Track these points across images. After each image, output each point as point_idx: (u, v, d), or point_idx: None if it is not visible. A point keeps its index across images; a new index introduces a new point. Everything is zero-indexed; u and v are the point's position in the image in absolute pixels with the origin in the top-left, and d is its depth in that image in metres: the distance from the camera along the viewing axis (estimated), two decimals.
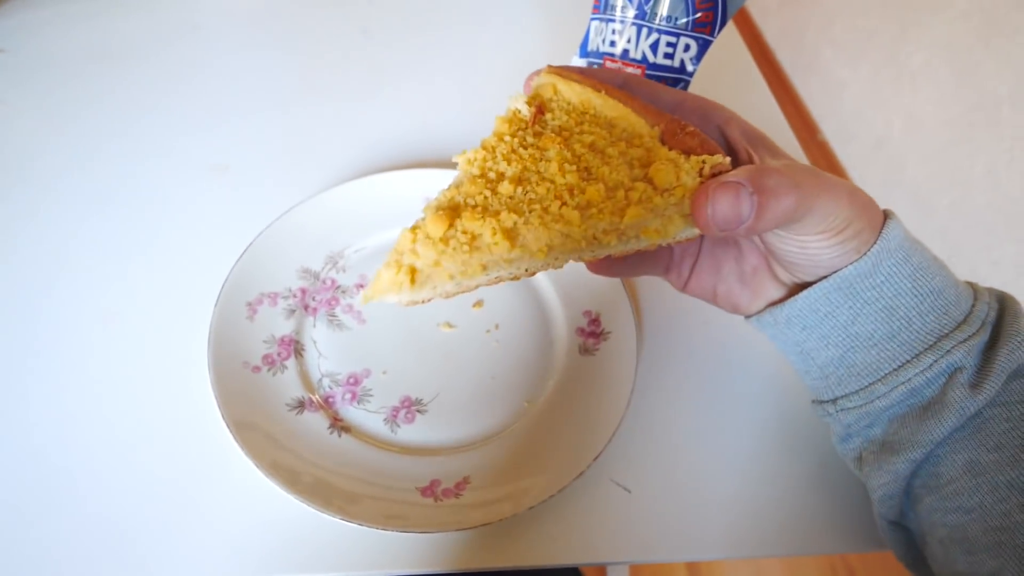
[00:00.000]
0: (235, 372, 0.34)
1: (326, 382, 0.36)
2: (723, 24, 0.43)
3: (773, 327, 0.30)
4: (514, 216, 0.23)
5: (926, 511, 0.27)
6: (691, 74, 0.45)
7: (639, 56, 0.44)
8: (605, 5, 0.45)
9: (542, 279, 0.42)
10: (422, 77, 0.57)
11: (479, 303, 0.41)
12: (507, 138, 0.26)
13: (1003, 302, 0.29)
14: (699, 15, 0.42)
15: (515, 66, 0.56)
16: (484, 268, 0.23)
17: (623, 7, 0.44)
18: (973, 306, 0.28)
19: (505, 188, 0.24)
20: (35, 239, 0.42)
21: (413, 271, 0.22)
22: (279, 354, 0.36)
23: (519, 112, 0.27)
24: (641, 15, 0.43)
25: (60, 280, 0.40)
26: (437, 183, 0.44)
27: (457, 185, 0.25)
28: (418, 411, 0.35)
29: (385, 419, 0.35)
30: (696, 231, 0.24)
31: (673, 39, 0.43)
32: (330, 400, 0.35)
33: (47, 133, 0.49)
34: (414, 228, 0.23)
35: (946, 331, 0.27)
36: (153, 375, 0.36)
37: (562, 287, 0.41)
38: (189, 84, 0.53)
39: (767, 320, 0.30)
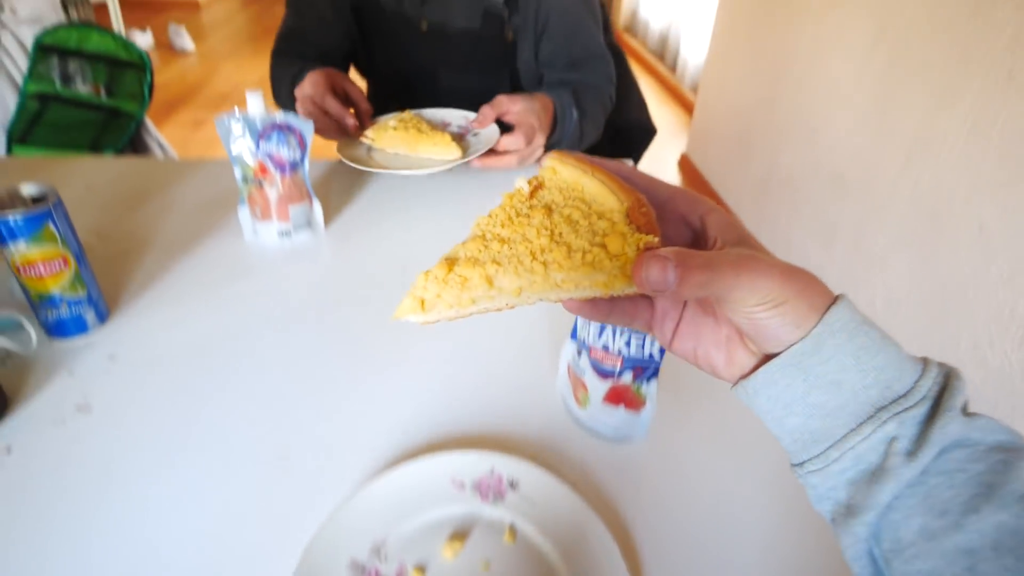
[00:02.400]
0: None
1: None
2: None
3: (747, 397, 0.35)
4: (496, 266, 0.33)
5: (896, 575, 0.31)
6: (659, 362, 0.55)
7: (616, 351, 0.56)
8: None
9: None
10: (448, 356, 0.68)
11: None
12: (508, 208, 0.35)
13: (948, 378, 0.32)
14: None
15: (523, 345, 0.69)
16: (473, 301, 0.32)
17: None
18: (918, 381, 0.31)
19: (494, 246, 0.33)
20: (112, 523, 0.51)
21: (423, 301, 0.32)
22: None
23: (522, 189, 0.36)
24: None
25: (128, 568, 0.48)
26: (459, 464, 0.53)
27: (464, 242, 0.34)
28: None
29: None
30: (634, 289, 0.32)
31: (640, 338, 0.55)
32: None
33: (139, 424, 0.60)
34: (427, 272, 0.33)
35: (886, 403, 0.31)
36: None
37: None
38: (259, 375, 0.65)
39: (740, 392, 0.35)
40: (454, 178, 1.01)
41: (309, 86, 0.92)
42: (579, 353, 0.59)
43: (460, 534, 0.49)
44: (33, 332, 0.63)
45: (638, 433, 0.60)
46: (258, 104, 0.75)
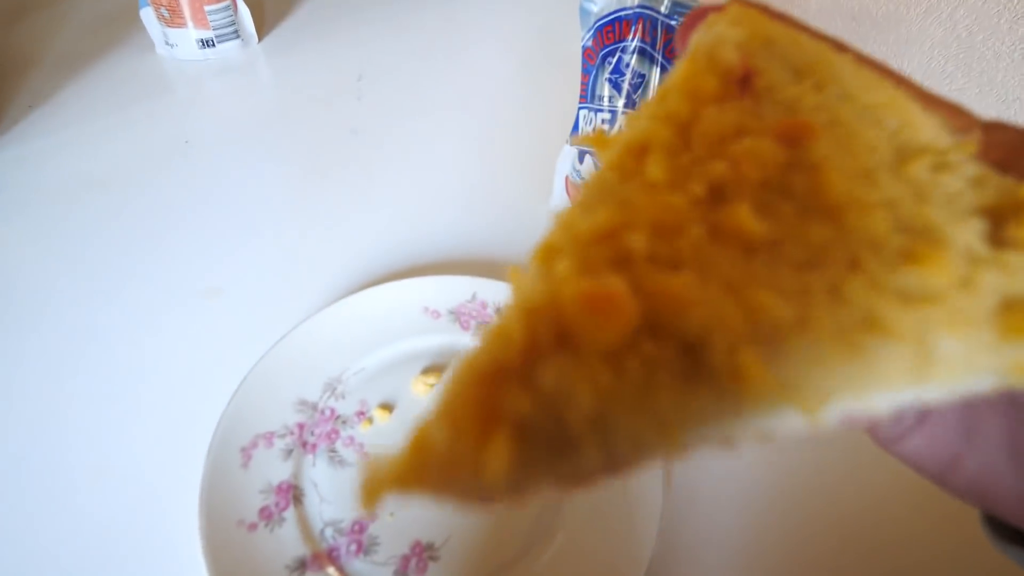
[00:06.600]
0: (229, 536, 0.31)
1: (329, 532, 0.33)
2: None
3: None
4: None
5: None
6: None
7: None
8: (592, 95, 0.45)
9: None
10: (414, 173, 0.56)
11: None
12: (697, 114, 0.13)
13: None
14: None
15: (506, 157, 0.56)
16: None
17: (610, 97, 0.43)
18: None
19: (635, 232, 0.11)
20: (20, 379, 0.40)
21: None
22: (276, 504, 0.33)
23: (720, 57, 0.14)
24: (629, 104, 0.42)
25: (42, 428, 0.38)
26: (433, 290, 0.42)
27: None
28: (430, 558, 0.32)
29: (395, 571, 0.32)
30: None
31: None
32: (334, 554, 0.32)
33: (35, 268, 0.48)
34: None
35: None
36: (140, 537, 0.33)
37: None
38: (180, 205, 0.52)
39: None
40: None
41: None
42: (580, 158, 0.47)
43: (435, 367, 0.39)
44: None
45: None
46: None
